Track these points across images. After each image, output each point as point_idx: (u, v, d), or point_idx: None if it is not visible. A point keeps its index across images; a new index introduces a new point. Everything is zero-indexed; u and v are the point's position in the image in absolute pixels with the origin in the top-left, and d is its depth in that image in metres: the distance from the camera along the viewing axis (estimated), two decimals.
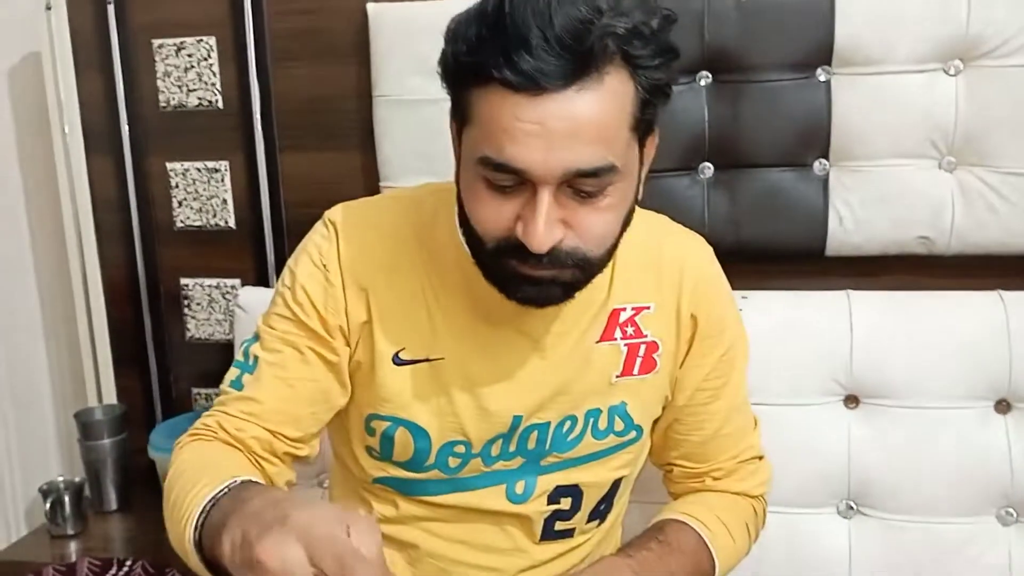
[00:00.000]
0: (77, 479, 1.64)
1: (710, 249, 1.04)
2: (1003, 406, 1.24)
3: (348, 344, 0.95)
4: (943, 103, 1.31)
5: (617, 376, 0.97)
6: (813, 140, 1.37)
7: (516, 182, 0.78)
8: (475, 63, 0.75)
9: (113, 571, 1.43)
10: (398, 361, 0.94)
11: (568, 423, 0.97)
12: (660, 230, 1.01)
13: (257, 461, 0.91)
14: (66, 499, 1.59)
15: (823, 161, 1.38)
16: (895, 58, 1.31)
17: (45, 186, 1.77)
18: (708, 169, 1.42)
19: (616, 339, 0.97)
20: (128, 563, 1.45)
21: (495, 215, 0.80)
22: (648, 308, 0.97)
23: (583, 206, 0.79)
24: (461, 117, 0.82)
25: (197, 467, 0.84)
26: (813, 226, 1.39)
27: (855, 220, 1.37)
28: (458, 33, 0.78)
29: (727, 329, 1.02)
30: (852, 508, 1.27)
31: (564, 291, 0.85)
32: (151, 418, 1.75)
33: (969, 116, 1.31)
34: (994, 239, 1.33)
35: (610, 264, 0.89)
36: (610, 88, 0.75)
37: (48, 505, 1.59)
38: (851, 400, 1.29)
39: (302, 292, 0.93)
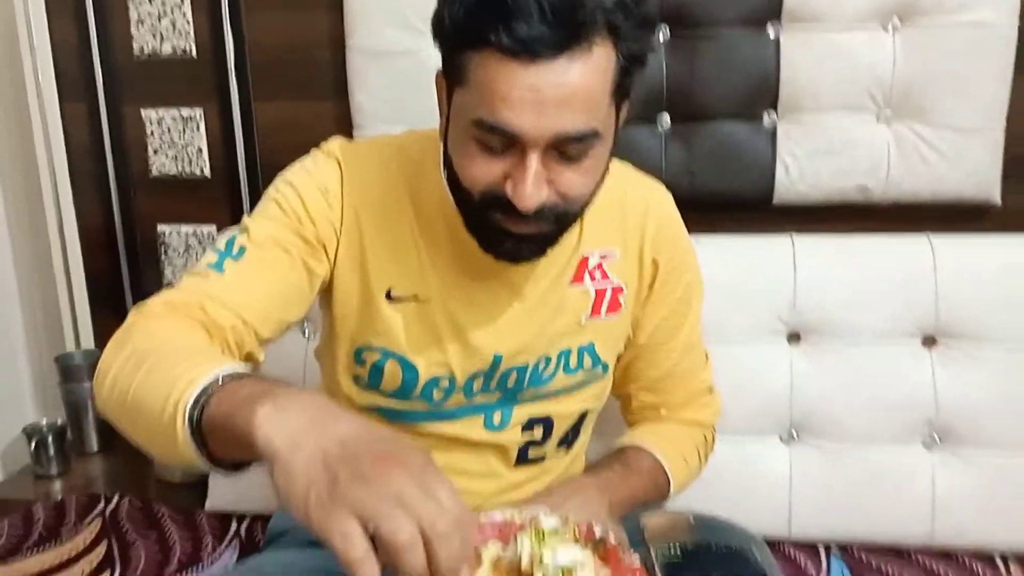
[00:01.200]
0: (59, 421, 1.70)
1: (670, 196, 1.11)
2: (930, 342, 1.34)
3: (330, 267, 0.99)
4: (882, 58, 1.39)
5: (586, 318, 1.04)
6: (763, 93, 1.45)
7: (506, 143, 0.83)
8: (473, 28, 0.79)
9: (100, 506, 1.50)
10: (390, 298, 0.99)
11: (543, 362, 1.04)
12: (624, 179, 1.06)
13: (228, 351, 0.90)
14: (49, 440, 1.65)
15: (772, 113, 1.46)
16: (840, 15, 1.39)
17: (18, 133, 1.78)
18: (665, 120, 1.49)
19: (585, 283, 1.04)
20: (115, 499, 1.52)
21: (484, 173, 0.85)
22: (613, 254, 1.05)
23: (567, 168, 0.85)
24: (453, 77, 0.85)
25: (186, 342, 0.83)
26: (762, 175, 1.47)
27: (800, 170, 1.46)
28: None
29: (685, 272, 1.10)
30: (794, 436, 1.37)
31: (540, 247, 0.92)
32: None
33: (906, 72, 1.39)
34: (926, 187, 1.43)
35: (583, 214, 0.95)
36: (597, 58, 0.80)
37: (32, 446, 1.65)
38: (794, 337, 1.38)
39: (299, 203, 0.96)
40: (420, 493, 0.57)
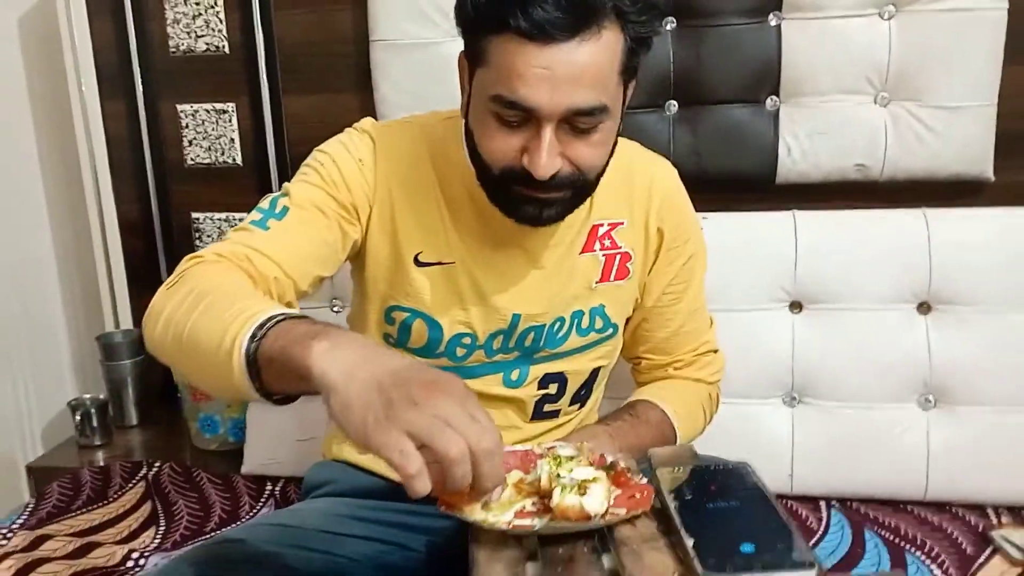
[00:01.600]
0: (101, 396, 1.79)
1: (674, 170, 1.20)
2: (924, 308, 1.41)
3: (362, 231, 1.07)
4: (878, 43, 1.47)
5: (597, 282, 1.13)
6: (765, 79, 1.53)
7: (523, 118, 0.92)
8: (494, 13, 0.88)
9: (143, 471, 1.59)
10: (418, 263, 1.08)
11: (558, 323, 1.12)
12: (631, 154, 1.15)
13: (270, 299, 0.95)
14: (93, 413, 1.75)
15: (774, 98, 1.54)
16: (837, 3, 1.47)
17: (59, 127, 1.89)
18: (673, 106, 1.58)
19: (596, 251, 1.12)
20: (156, 465, 1.61)
21: (503, 146, 0.94)
22: (622, 223, 1.13)
23: (578, 140, 0.93)
24: (475, 58, 0.94)
25: (238, 286, 0.90)
26: (765, 156, 1.55)
27: (801, 150, 1.54)
28: None
29: (689, 240, 1.18)
30: (795, 399, 1.45)
31: (559, 212, 1.00)
32: None
33: (901, 56, 1.47)
34: (921, 166, 1.51)
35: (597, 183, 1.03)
36: (605, 39, 0.89)
37: (77, 419, 1.75)
38: (795, 306, 1.45)
39: (336, 171, 1.04)
40: (465, 415, 0.66)
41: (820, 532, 1.32)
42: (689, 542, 0.67)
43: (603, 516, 0.74)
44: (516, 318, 1.10)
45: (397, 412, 0.64)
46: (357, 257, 1.12)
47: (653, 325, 1.20)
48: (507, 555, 0.71)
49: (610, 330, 1.16)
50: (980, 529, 1.30)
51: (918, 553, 1.25)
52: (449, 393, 0.66)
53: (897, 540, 1.29)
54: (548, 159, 0.92)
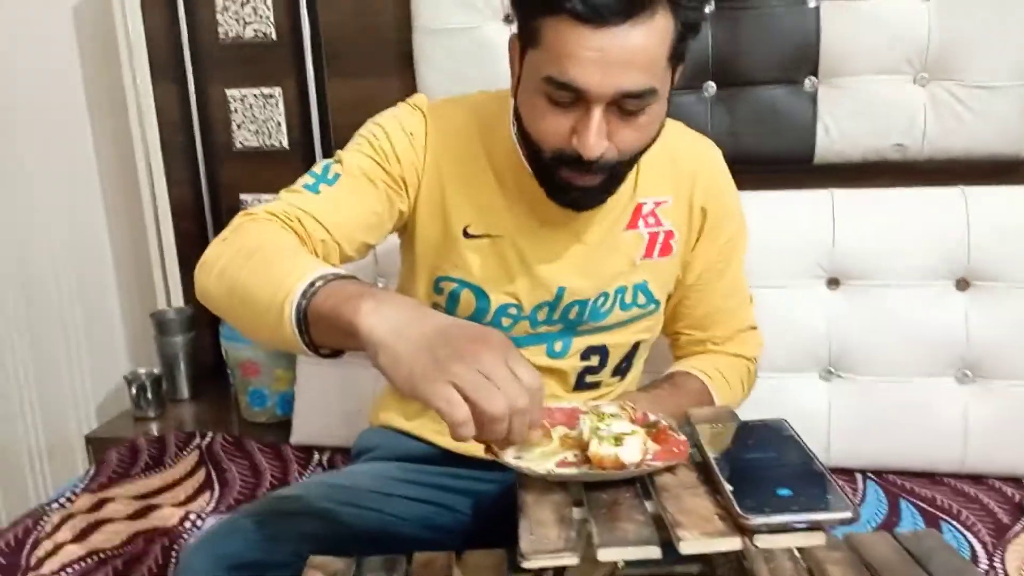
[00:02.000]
0: (155, 371, 1.86)
1: (718, 150, 1.22)
2: (962, 284, 1.42)
3: (410, 203, 1.11)
4: (917, 24, 1.48)
5: (641, 258, 1.15)
6: (804, 60, 1.55)
7: (572, 99, 0.93)
8: None
9: (196, 441, 1.65)
10: (467, 235, 1.11)
11: (601, 298, 1.14)
12: (677, 134, 1.16)
13: None
14: (147, 386, 1.81)
15: (812, 78, 1.56)
16: None
17: (113, 113, 1.95)
18: (711, 87, 1.60)
19: (639, 228, 1.15)
20: (209, 435, 1.67)
21: (553, 127, 0.96)
22: (666, 201, 1.15)
23: (625, 123, 0.95)
24: (528, 39, 0.96)
25: (289, 245, 0.93)
26: (803, 136, 1.57)
27: (840, 131, 1.56)
28: None
29: (731, 220, 1.20)
30: (832, 372, 1.46)
31: (599, 197, 1.04)
32: (215, 319, 1.96)
33: (939, 36, 1.48)
34: (960, 145, 1.52)
35: (636, 164, 1.05)
36: (657, 24, 0.91)
37: (133, 392, 1.82)
38: (833, 282, 1.47)
39: (388, 143, 1.08)
40: (507, 371, 0.70)
41: (857, 502, 1.34)
42: (728, 488, 0.71)
43: (638, 466, 0.77)
44: (561, 291, 1.13)
45: (444, 365, 0.68)
46: (405, 229, 1.16)
47: (693, 302, 1.22)
48: (553, 499, 0.75)
49: (652, 306, 1.18)
50: (1016, 500, 1.31)
51: (953, 522, 1.27)
52: (492, 348, 0.70)
53: (932, 510, 1.30)
54: (596, 140, 0.94)
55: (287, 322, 0.79)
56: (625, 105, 0.94)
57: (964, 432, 1.39)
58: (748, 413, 1.24)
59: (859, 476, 1.42)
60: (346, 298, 0.76)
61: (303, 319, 0.79)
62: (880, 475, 1.41)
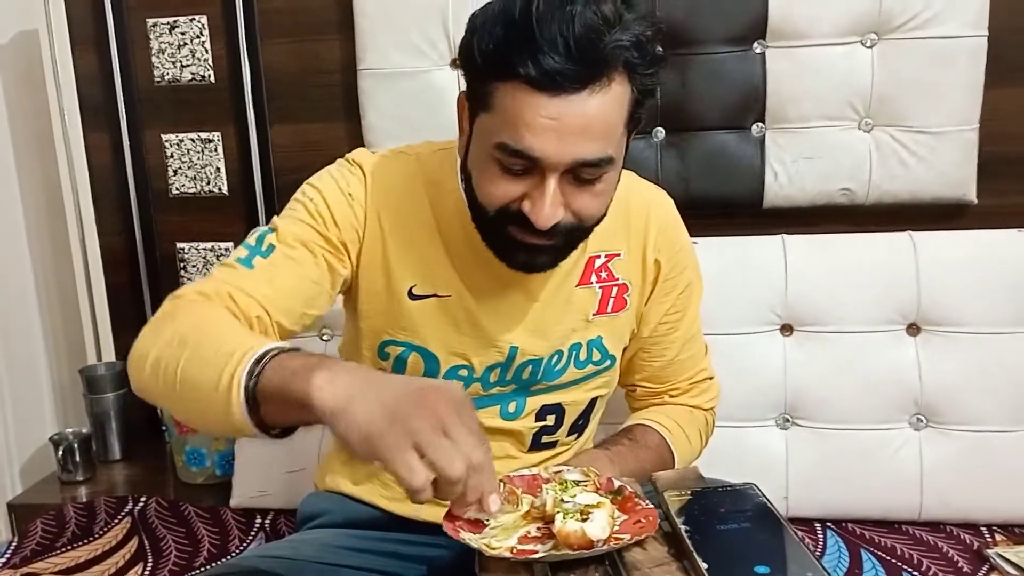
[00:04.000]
0: (84, 430, 1.76)
1: (671, 200, 1.19)
2: (913, 329, 1.42)
3: (352, 268, 1.06)
4: (861, 71, 1.50)
5: (594, 314, 1.11)
6: (751, 105, 1.55)
7: (527, 167, 0.90)
8: (503, 60, 0.86)
9: (129, 506, 1.55)
10: (412, 296, 1.06)
11: (555, 357, 1.11)
12: (628, 185, 1.10)
13: None
14: (76, 447, 1.71)
15: (760, 124, 1.56)
16: (820, 31, 1.50)
17: (41, 159, 1.87)
18: (660, 133, 1.60)
19: (592, 283, 1.11)
20: (142, 500, 1.58)
21: (503, 192, 0.92)
22: (619, 255, 1.12)
23: (581, 191, 0.92)
24: (479, 103, 0.92)
25: (226, 324, 0.88)
26: (752, 181, 1.57)
27: (788, 175, 1.56)
28: (484, 28, 0.88)
29: (685, 270, 1.17)
30: (788, 420, 1.45)
31: (552, 259, 1.00)
32: None
33: (883, 82, 1.50)
34: (906, 190, 1.53)
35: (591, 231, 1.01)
36: (615, 92, 0.88)
37: (60, 453, 1.71)
38: (786, 328, 1.46)
39: (325, 207, 1.02)
40: (463, 427, 0.68)
41: (818, 555, 1.32)
42: (704, 566, 0.67)
43: (606, 541, 0.73)
44: (513, 351, 1.09)
45: (403, 423, 0.67)
46: (348, 292, 1.10)
47: (649, 355, 1.20)
48: None
49: (608, 361, 1.15)
50: (975, 548, 1.30)
51: (915, 574, 1.25)
52: (448, 400, 0.70)
53: (894, 561, 1.29)
54: (551, 209, 0.90)
55: (236, 406, 0.76)
56: (581, 173, 0.91)
57: (920, 479, 1.38)
58: (706, 463, 1.23)
59: (818, 526, 1.40)
60: (296, 371, 0.73)
61: (252, 400, 0.76)
62: (839, 524, 1.40)
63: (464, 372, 1.09)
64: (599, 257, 1.11)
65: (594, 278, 1.11)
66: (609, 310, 1.12)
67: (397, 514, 1.12)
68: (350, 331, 1.17)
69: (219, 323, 0.89)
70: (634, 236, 1.13)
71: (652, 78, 0.92)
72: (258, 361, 0.76)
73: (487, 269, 1.05)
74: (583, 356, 1.13)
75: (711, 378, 1.26)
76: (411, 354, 1.09)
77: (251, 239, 1.02)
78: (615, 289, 1.12)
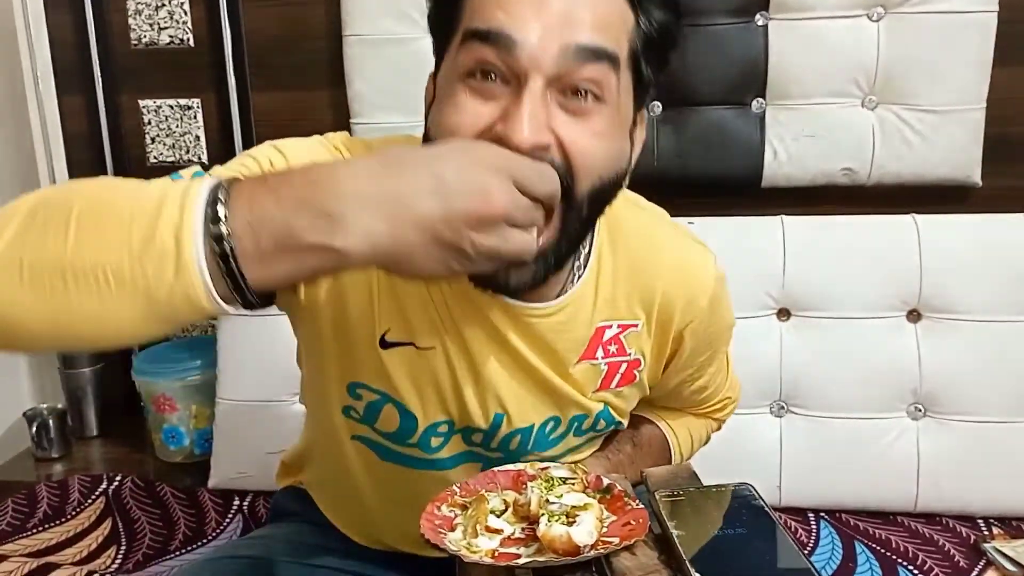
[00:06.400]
0: (59, 406, 1.71)
1: (711, 260, 0.93)
2: (914, 316, 1.39)
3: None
4: (866, 46, 1.44)
5: (594, 392, 0.90)
6: (751, 80, 1.50)
7: (502, 74, 0.69)
8: None
9: (103, 486, 1.51)
10: (384, 344, 0.84)
11: (551, 423, 0.90)
12: (664, 242, 0.90)
13: None
14: (50, 423, 1.66)
15: (760, 100, 1.51)
16: (825, 4, 1.44)
17: (14, 125, 1.79)
18: (657, 107, 1.54)
19: (597, 359, 0.88)
20: (117, 479, 1.53)
21: (472, 118, 0.69)
22: (635, 326, 0.88)
23: (574, 122, 0.70)
24: (443, 33, 0.74)
25: (127, 184, 0.60)
26: (751, 159, 1.52)
27: (788, 154, 1.51)
28: None
29: (715, 340, 0.97)
30: (783, 407, 1.41)
31: (537, 261, 0.72)
32: (126, 348, 1.82)
33: (888, 58, 1.44)
34: (909, 171, 1.48)
35: (594, 275, 0.85)
36: None
37: (33, 429, 1.66)
38: (783, 313, 1.42)
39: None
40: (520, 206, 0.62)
41: (811, 546, 1.29)
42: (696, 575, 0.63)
43: (593, 547, 0.69)
44: (499, 417, 0.87)
45: (464, 241, 0.60)
46: (300, 316, 0.87)
47: (665, 400, 1.04)
48: None
49: (614, 425, 0.95)
50: (971, 541, 1.28)
51: (910, 567, 1.22)
52: (492, 204, 0.60)
53: (888, 554, 1.26)
54: (532, 122, 0.66)
55: (189, 265, 0.54)
56: (574, 80, 0.69)
57: (916, 470, 1.35)
58: (701, 452, 1.19)
59: (812, 516, 1.36)
60: (291, 213, 0.55)
61: (224, 255, 0.55)
62: (833, 515, 1.36)
63: (444, 428, 0.89)
64: (610, 327, 0.87)
65: (600, 352, 0.88)
66: (614, 386, 0.91)
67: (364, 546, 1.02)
68: (309, 365, 0.94)
69: (115, 186, 0.60)
70: (660, 305, 0.88)
71: (663, 11, 0.74)
72: (213, 194, 0.55)
73: (471, 317, 0.84)
74: (586, 426, 0.92)
75: (730, 398, 1.11)
76: (386, 405, 0.87)
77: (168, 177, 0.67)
78: (624, 365, 0.90)
